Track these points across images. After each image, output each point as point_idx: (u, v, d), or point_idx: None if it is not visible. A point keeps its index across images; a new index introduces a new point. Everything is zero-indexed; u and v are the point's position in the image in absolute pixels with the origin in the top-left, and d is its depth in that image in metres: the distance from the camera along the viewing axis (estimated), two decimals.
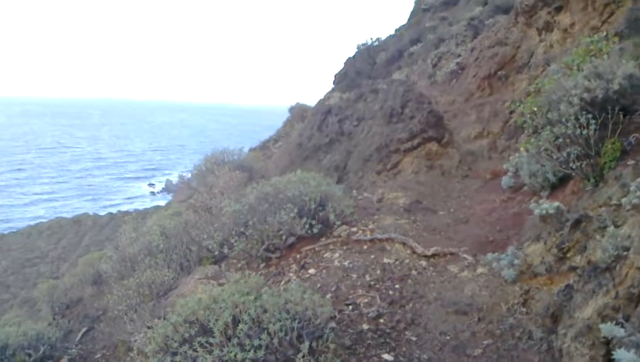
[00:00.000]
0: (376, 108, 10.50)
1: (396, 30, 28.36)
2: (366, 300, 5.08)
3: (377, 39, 27.98)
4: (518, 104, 7.73)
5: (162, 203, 56.34)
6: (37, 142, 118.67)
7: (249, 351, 3.38)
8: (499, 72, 11.30)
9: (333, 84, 27.66)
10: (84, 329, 8.20)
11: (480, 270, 5.45)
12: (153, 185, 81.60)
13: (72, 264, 29.71)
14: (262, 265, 6.71)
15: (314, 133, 11.48)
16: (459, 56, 14.22)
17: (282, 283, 6.12)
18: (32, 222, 48.87)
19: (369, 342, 4.38)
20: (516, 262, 4.99)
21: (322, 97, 24.07)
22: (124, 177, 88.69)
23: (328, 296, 5.04)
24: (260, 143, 25.45)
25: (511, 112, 9.96)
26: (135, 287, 6.06)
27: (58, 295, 9.42)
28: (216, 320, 3.60)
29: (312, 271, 6.32)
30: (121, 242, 7.58)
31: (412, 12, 27.47)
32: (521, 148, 7.51)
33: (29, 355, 6.83)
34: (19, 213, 59.55)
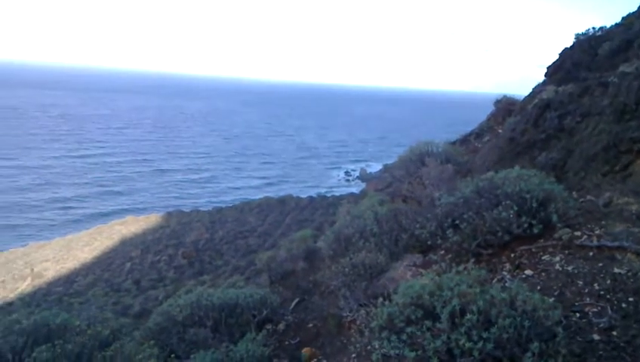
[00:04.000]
0: (605, 104, 9.47)
1: (623, 18, 25.14)
2: (595, 310, 4.70)
3: (600, 28, 25.13)
4: None
5: (356, 190, 58.87)
6: (253, 128, 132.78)
7: (477, 342, 3.38)
8: None
9: (545, 76, 25.72)
10: (296, 300, 9.02)
11: None
12: (349, 173, 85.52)
13: (276, 239, 32.83)
14: (472, 260, 6.61)
15: (528, 128, 10.83)
16: None
17: (494, 280, 5.97)
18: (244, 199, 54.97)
19: (600, 353, 4.07)
20: None
21: (531, 90, 22.53)
22: (323, 164, 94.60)
23: (551, 300, 4.78)
24: (460, 137, 24.89)
25: None
26: (350, 266, 6.46)
27: (275, 265, 10.49)
28: (443, 306, 3.67)
29: (528, 272, 6.03)
30: (338, 223, 8.12)
31: None
32: None
33: (254, 316, 7.76)
34: (237, 191, 67.42)
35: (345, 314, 6.72)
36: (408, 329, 3.71)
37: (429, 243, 6.65)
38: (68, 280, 28.53)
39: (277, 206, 45.85)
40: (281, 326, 7.78)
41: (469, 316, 3.54)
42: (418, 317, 3.77)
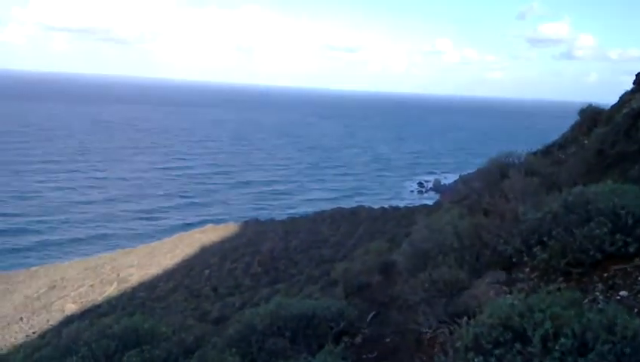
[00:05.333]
0: None
1: None
2: None
3: None
4: None
5: (429, 202, 57.84)
6: (327, 140, 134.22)
7: None
8: None
9: (634, 84, 24.32)
10: (373, 313, 8.95)
11: None
12: (422, 184, 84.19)
13: (349, 249, 32.85)
14: (560, 279, 6.30)
15: (619, 138, 10.19)
16: None
17: (585, 301, 5.64)
18: (317, 209, 55.51)
19: None
20: None
21: (619, 98, 21.27)
22: (396, 175, 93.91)
23: None
24: (542, 147, 23.90)
25: None
26: (429, 282, 6.34)
27: (350, 277, 10.48)
28: (534, 329, 3.51)
29: (623, 293, 5.64)
30: (415, 236, 8.01)
31: None
32: None
33: (331, 328, 7.77)
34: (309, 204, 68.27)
35: (424, 331, 6.58)
36: (496, 352, 3.58)
37: (513, 260, 6.40)
38: (151, 286, 29.99)
39: (349, 217, 45.90)
40: (358, 340, 7.73)
41: (563, 340, 3.37)
42: (507, 339, 3.63)
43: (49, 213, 54.78)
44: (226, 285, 28.95)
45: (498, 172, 10.76)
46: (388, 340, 7.61)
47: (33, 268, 35.47)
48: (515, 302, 3.91)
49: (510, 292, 5.87)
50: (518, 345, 3.51)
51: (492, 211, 8.30)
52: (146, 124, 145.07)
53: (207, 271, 31.50)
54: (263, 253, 34.60)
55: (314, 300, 9.09)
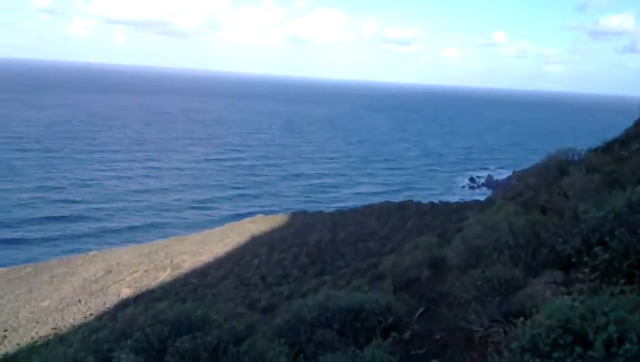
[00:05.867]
0: None
1: None
2: None
3: None
4: None
5: (481, 198, 56.48)
6: (377, 133, 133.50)
7: None
8: None
9: None
10: (421, 309, 8.83)
11: None
12: (474, 179, 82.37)
13: (396, 244, 32.57)
14: (621, 281, 6.01)
15: None
16: None
17: None
18: (365, 203, 55.35)
19: None
20: None
21: None
22: (446, 170, 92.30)
23: None
24: (602, 144, 22.85)
25: None
26: (483, 280, 6.18)
27: (398, 271, 10.38)
28: (596, 332, 3.35)
29: None
30: (468, 232, 7.83)
31: None
32: None
33: (379, 322, 7.71)
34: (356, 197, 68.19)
35: (475, 329, 6.43)
36: (555, 355, 3.45)
37: (572, 259, 6.15)
38: (202, 272, 30.76)
39: (397, 211, 45.44)
40: (407, 335, 7.64)
41: (628, 346, 3.20)
42: (567, 342, 3.48)
43: (107, 201, 57.18)
44: (275, 274, 29.32)
45: (556, 169, 10.37)
46: (437, 337, 7.49)
47: (91, 253, 37.10)
48: (576, 304, 3.75)
49: (568, 293, 5.64)
50: (578, 349, 3.36)
51: (550, 209, 8.00)
52: (201, 116, 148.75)
53: (256, 261, 32.00)
54: (311, 245, 34.81)
55: (362, 293, 9.05)
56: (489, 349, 5.16)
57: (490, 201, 43.07)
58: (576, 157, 12.06)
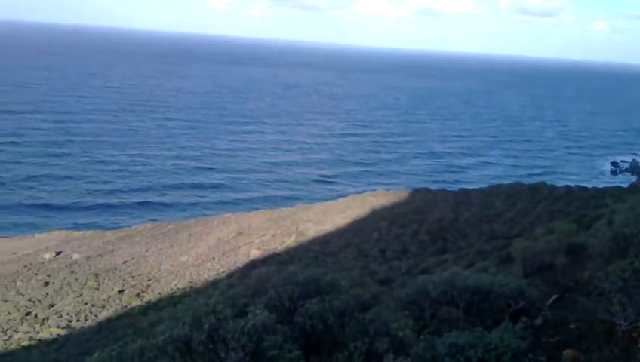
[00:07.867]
0: None
1: None
2: None
3: None
4: None
5: (624, 184, 51.36)
6: (511, 111, 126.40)
7: None
8: None
9: None
10: (555, 296, 8.36)
11: None
12: (617, 164, 75.08)
13: (524, 227, 30.88)
14: None
15: None
16: None
17: None
18: (494, 182, 53.03)
19: None
20: None
21: None
22: (585, 153, 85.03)
23: None
24: None
25: None
26: (631, 271, 5.70)
27: (531, 255, 9.89)
28: None
29: None
30: (614, 219, 7.22)
31: None
32: None
33: (509, 305, 7.45)
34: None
35: (618, 322, 5.98)
36: None
37: None
38: (324, 241, 31.73)
39: (527, 193, 42.76)
40: (538, 321, 7.32)
41: None
42: None
43: (239, 171, 61.22)
44: (393, 249, 29.33)
45: None
46: (572, 326, 7.09)
47: (226, 215, 40.00)
48: None
49: None
50: None
51: None
52: (331, 89, 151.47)
53: (375, 233, 32.22)
54: (431, 222, 34.20)
55: (490, 275, 8.77)
56: (637, 345, 4.80)
57: (634, 188, 39.00)
58: None
